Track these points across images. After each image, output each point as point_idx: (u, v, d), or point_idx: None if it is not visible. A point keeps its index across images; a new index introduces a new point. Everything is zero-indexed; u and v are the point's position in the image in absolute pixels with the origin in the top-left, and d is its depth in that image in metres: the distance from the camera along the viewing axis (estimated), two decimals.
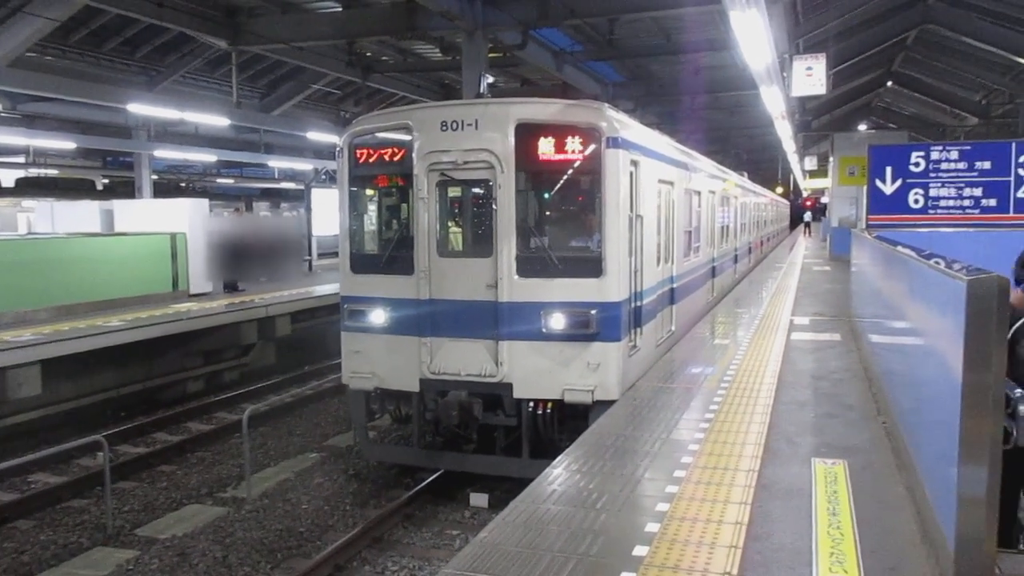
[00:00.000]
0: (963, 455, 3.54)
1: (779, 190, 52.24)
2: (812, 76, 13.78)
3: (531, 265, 7.86)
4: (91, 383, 12.25)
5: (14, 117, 22.56)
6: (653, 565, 4.17)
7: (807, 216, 52.94)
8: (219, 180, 36.40)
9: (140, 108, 17.76)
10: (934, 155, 12.20)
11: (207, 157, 29.42)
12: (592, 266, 7.75)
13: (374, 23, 15.65)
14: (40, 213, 21.24)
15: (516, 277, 7.83)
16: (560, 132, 7.74)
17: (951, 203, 12.17)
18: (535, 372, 7.83)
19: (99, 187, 30.13)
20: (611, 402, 7.54)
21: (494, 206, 7.87)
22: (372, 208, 9.14)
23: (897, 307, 6.59)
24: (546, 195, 8.39)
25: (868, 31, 20.11)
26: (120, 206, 18.85)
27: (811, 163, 38.22)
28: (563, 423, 8.01)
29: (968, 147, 12.36)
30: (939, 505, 4.14)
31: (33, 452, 9.31)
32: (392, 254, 8.54)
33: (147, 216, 17.41)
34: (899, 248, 6.83)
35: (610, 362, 7.74)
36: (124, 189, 28.45)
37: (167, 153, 25.19)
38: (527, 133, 7.79)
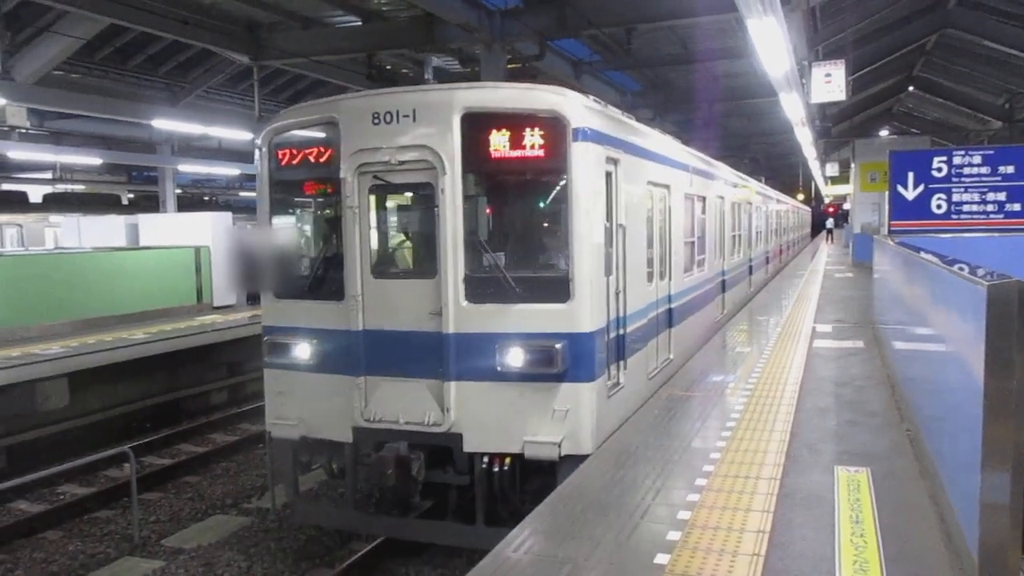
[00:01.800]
0: (986, 461, 3.53)
1: (800, 197, 51.97)
2: (831, 82, 13.73)
3: (483, 288, 6.52)
4: (117, 395, 12.41)
5: (41, 134, 22.98)
6: (675, 573, 4.18)
7: (829, 223, 52.64)
8: (242, 193, 36.80)
9: (164, 123, 18.04)
10: (956, 160, 12.17)
11: (230, 171, 29.78)
12: (557, 288, 6.38)
13: (393, 36, 15.78)
14: (67, 228, 21.58)
15: (464, 303, 6.45)
16: (516, 122, 6.33)
17: (974, 208, 12.11)
18: (490, 420, 6.47)
19: (124, 201, 30.57)
20: (583, 457, 6.25)
21: (437, 215, 6.50)
22: (298, 220, 7.87)
23: (919, 313, 6.56)
24: (500, 201, 7.14)
25: (887, 36, 20.01)
26: (145, 220, 19.14)
27: (832, 169, 38.00)
28: (526, 482, 6.60)
29: (991, 152, 12.32)
30: (962, 512, 4.12)
31: (61, 464, 9.44)
32: (319, 275, 7.26)
33: (171, 230, 17.67)
34: (920, 253, 6.80)
35: (582, 408, 6.34)
36: (149, 203, 28.84)
37: (190, 167, 25.55)
38: (475, 125, 6.41)
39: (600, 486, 5.56)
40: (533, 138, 6.31)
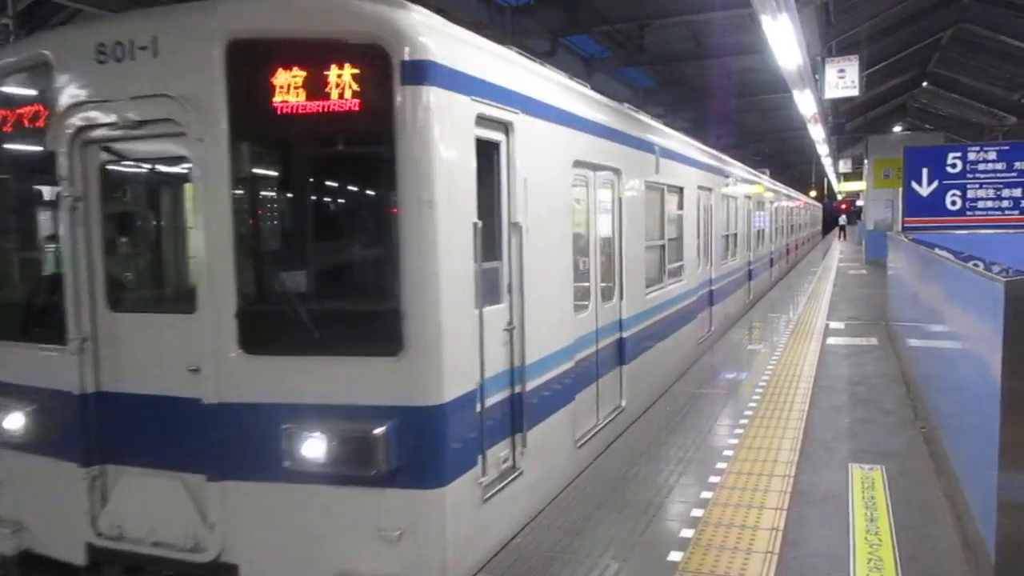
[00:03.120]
0: (1003, 459, 3.50)
1: (813, 193, 51.72)
2: (845, 78, 13.67)
3: (266, 330, 4.15)
4: None
5: None
6: (688, 570, 4.17)
7: (842, 219, 52.42)
8: None
9: None
10: (971, 156, 12.06)
11: None
12: (382, 331, 3.95)
13: None
14: None
15: (236, 353, 4.10)
16: (314, 55, 3.87)
17: (989, 204, 12.00)
18: (280, 543, 4.13)
19: None
20: None
21: (191, 210, 4.31)
22: (6, 218, 5.30)
23: (934, 310, 6.52)
24: (294, 186, 4.51)
25: (902, 31, 19.88)
26: None
27: (845, 166, 37.81)
28: None
29: (1006, 147, 12.20)
30: (979, 511, 4.09)
31: None
32: (35, 305, 4.89)
33: None
34: (936, 250, 6.76)
35: (426, 528, 4.00)
36: None
37: None
38: (251, 60, 3.97)
39: (613, 484, 5.55)
40: (342, 79, 3.82)
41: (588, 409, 6.20)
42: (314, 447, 3.91)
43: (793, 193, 30.84)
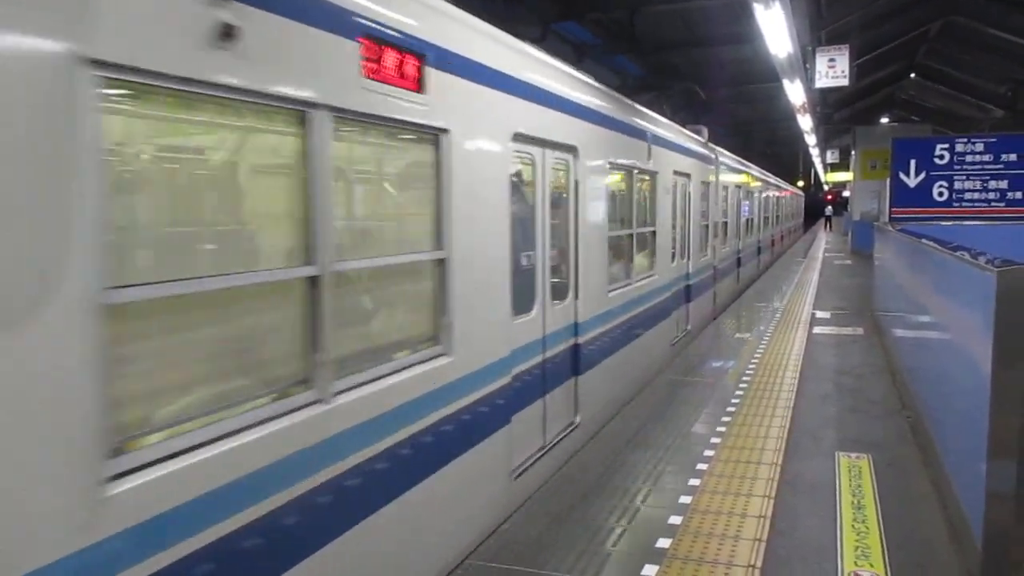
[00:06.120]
0: (991, 449, 3.52)
1: (801, 184, 51.87)
2: (835, 68, 13.68)
3: None
4: None
5: None
6: (677, 557, 4.17)
7: (828, 210, 52.60)
8: None
9: None
10: (959, 148, 12.10)
11: None
12: None
13: None
14: None
15: None
16: None
17: (976, 196, 12.06)
18: None
19: None
20: None
21: None
22: None
23: (922, 300, 6.54)
24: None
25: (890, 23, 19.90)
26: None
27: (833, 156, 37.92)
28: None
29: (993, 139, 12.24)
30: (966, 500, 4.11)
31: None
32: None
33: None
34: (924, 240, 6.77)
35: None
36: None
37: None
38: None
39: (600, 470, 5.55)
40: None
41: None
42: None
43: (764, 175, 23.93)
